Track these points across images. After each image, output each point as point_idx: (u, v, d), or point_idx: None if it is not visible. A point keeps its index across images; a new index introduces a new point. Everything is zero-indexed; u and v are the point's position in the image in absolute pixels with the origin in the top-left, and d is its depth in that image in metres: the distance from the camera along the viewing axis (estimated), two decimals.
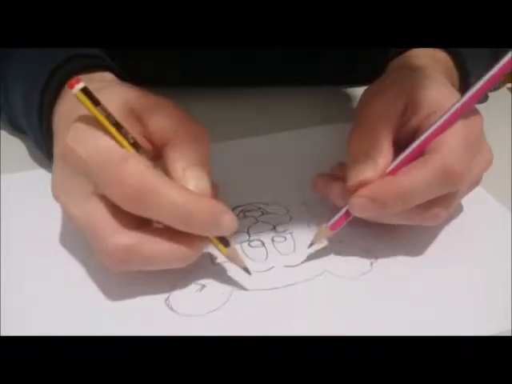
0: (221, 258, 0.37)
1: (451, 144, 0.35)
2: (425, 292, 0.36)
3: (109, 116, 0.33)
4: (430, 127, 0.36)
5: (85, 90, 0.32)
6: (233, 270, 0.36)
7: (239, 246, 0.38)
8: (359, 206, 0.36)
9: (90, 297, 0.35)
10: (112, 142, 0.33)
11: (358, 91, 0.58)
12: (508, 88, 0.61)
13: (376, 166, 0.36)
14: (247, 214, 0.41)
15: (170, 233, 0.33)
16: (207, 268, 0.37)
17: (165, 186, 0.32)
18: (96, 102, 0.33)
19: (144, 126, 0.35)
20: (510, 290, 0.36)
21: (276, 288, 0.36)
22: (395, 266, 0.37)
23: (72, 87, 0.32)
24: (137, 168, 0.32)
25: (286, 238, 0.39)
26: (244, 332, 0.33)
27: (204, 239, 0.34)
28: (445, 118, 0.36)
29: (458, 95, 0.37)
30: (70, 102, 0.36)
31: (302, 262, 0.38)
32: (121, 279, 0.35)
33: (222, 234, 0.34)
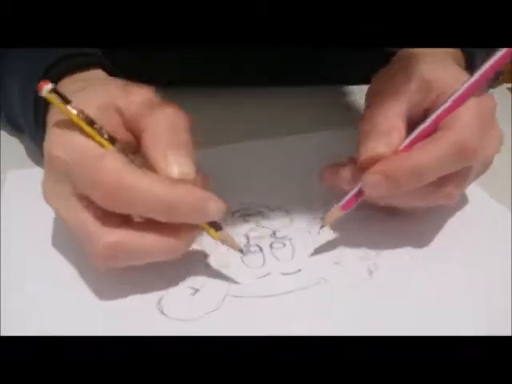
0: (214, 263, 0.37)
1: (464, 120, 0.35)
2: (425, 292, 0.36)
3: (80, 113, 0.33)
4: (442, 104, 0.36)
5: (55, 91, 0.33)
6: (227, 275, 0.36)
7: None
8: (372, 183, 0.35)
9: (90, 297, 0.35)
10: (88, 141, 0.33)
11: (358, 91, 0.58)
12: (508, 88, 0.61)
13: (389, 142, 0.35)
14: (247, 218, 0.41)
15: (155, 226, 0.32)
16: (201, 272, 0.37)
17: (143, 180, 0.31)
18: (67, 101, 0.33)
19: (122, 115, 0.35)
20: (510, 290, 0.36)
21: (270, 296, 0.35)
22: (395, 268, 0.37)
23: (41, 89, 0.33)
24: (113, 165, 0.31)
25: (284, 245, 0.39)
26: None
27: (192, 228, 0.33)
28: (457, 94, 0.36)
29: (468, 75, 0.37)
30: None
31: (299, 270, 0.37)
32: (119, 279, 0.35)
33: (207, 219, 0.33)
